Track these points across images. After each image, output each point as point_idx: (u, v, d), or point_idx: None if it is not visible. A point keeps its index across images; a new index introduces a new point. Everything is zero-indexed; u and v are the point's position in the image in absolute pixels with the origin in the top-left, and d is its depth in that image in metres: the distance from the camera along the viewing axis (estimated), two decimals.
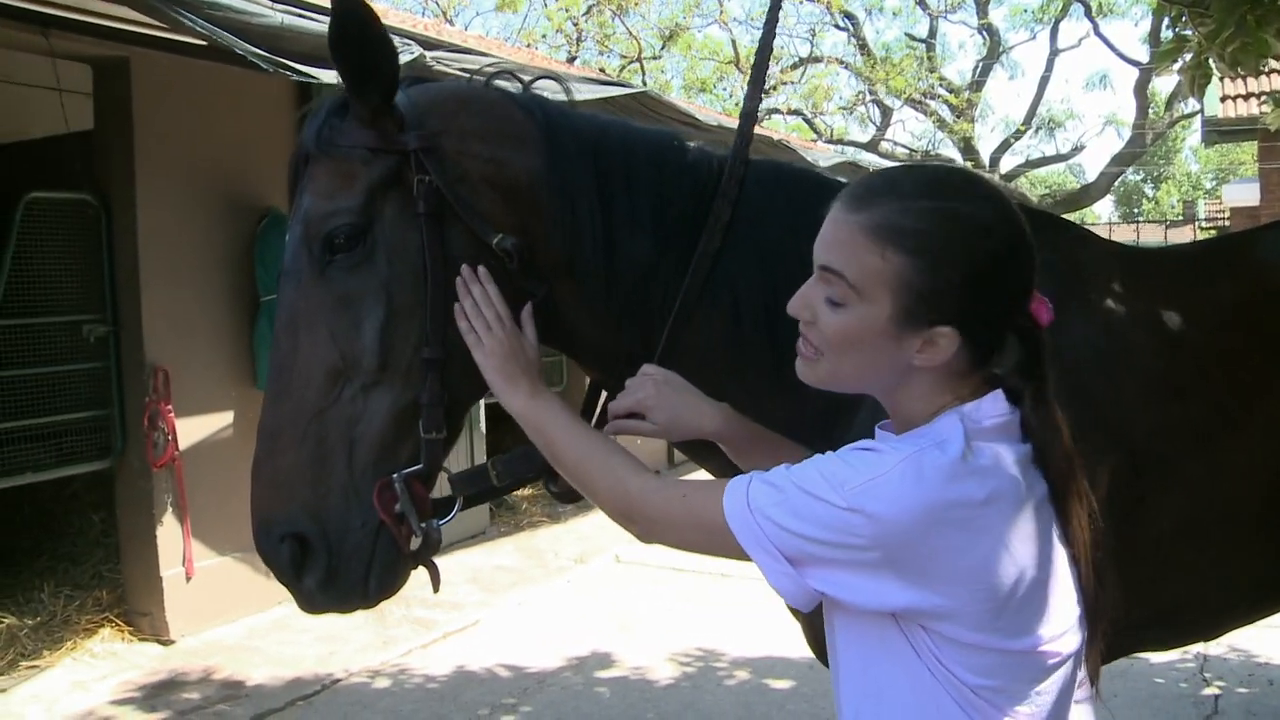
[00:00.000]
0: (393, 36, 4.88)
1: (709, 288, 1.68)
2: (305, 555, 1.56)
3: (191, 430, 5.32)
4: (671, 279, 1.68)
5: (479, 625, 5.64)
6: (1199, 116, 13.17)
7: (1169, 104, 20.08)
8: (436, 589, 1.67)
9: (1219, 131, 11.79)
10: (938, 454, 1.16)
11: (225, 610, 5.46)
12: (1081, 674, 1.29)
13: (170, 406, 5.13)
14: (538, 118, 1.69)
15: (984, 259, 1.19)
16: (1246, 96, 11.28)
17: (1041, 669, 1.21)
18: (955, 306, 1.19)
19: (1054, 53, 22.13)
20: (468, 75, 1.83)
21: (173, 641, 5.22)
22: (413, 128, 1.61)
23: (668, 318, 1.68)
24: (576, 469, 1.44)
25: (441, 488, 1.70)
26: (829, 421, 1.66)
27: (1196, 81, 3.65)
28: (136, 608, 5.33)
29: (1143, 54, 20.65)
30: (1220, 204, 25.44)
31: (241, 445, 5.59)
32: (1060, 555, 1.23)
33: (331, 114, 1.63)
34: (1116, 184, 27.42)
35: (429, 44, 5.08)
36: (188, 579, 5.30)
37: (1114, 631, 1.76)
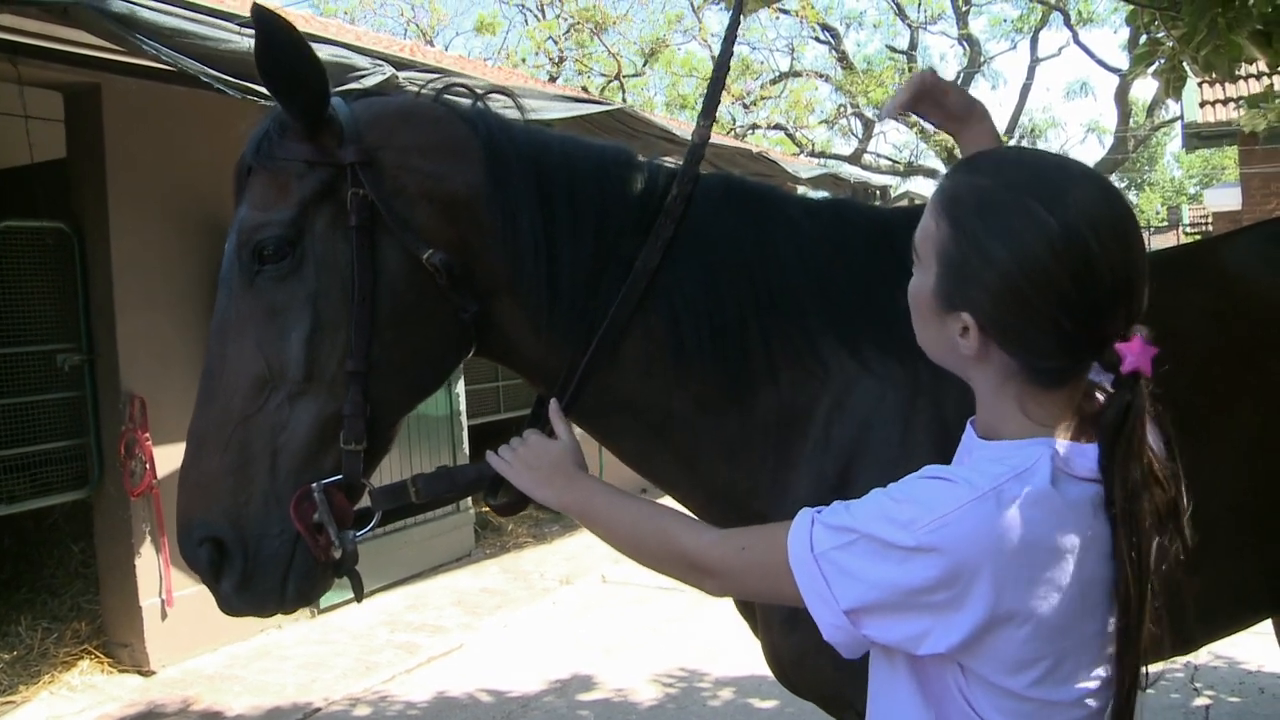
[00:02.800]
0: (357, 57, 4.80)
1: (648, 302, 1.66)
2: (223, 559, 1.56)
3: (169, 458, 5.24)
4: (612, 294, 1.66)
5: (463, 649, 5.57)
6: (1179, 122, 13.23)
7: (1150, 110, 20.21)
8: (359, 599, 1.68)
9: (1199, 137, 11.84)
10: (1016, 488, 1.10)
11: (206, 639, 5.40)
12: None
13: (147, 435, 5.08)
14: (479, 131, 1.67)
15: (1027, 265, 1.10)
16: (1225, 101, 11.34)
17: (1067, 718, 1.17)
18: (981, 299, 1.13)
19: (1035, 62, 22.31)
20: (417, 90, 1.81)
21: (153, 672, 5.16)
22: (351, 141, 1.60)
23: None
24: (632, 546, 1.43)
25: None
26: (782, 436, 1.65)
27: (1172, 84, 3.65)
28: (116, 639, 5.26)
29: (1122, 61, 20.80)
30: (1203, 209, 25.57)
31: None
32: (1107, 609, 1.16)
33: (273, 127, 1.62)
34: None
35: (400, 64, 5.06)
36: (167, 609, 5.23)
37: None
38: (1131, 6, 3.88)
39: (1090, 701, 1.17)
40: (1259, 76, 8.71)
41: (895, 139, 24.55)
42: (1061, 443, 1.14)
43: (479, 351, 1.71)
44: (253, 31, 1.54)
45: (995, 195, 1.13)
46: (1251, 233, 2.18)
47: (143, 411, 5.10)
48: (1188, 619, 1.91)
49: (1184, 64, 3.68)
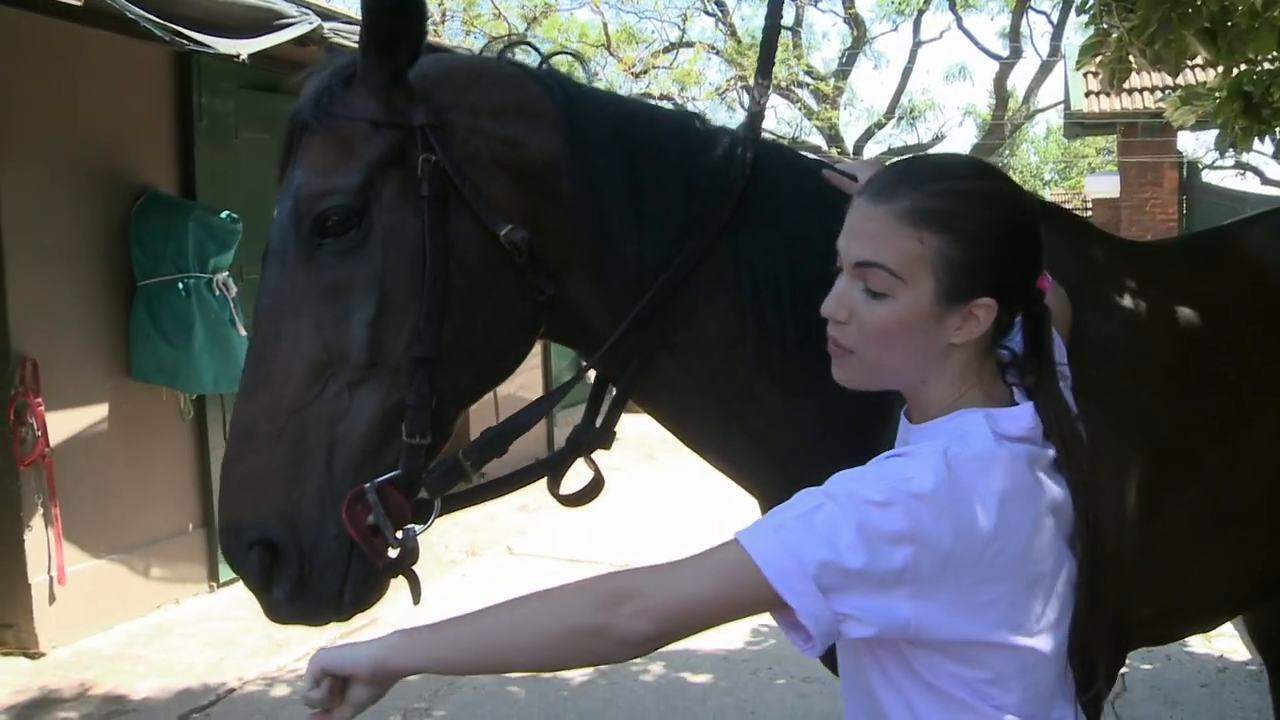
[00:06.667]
0: (285, 4, 4.56)
1: (727, 274, 1.58)
2: (275, 564, 1.43)
3: (63, 425, 4.91)
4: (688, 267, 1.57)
5: (376, 624, 5.37)
6: (1060, 110, 13.74)
7: (1026, 98, 20.97)
8: (417, 600, 1.55)
9: (1082, 125, 12.36)
10: (961, 447, 1.20)
11: (100, 617, 5.09)
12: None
13: (39, 400, 4.72)
14: (557, 95, 1.55)
15: (1007, 227, 1.25)
16: (1109, 93, 11.87)
17: (1030, 663, 1.23)
18: (991, 276, 1.23)
19: (917, 44, 22.80)
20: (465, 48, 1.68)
21: (43, 654, 4.82)
22: (421, 100, 1.46)
23: (693, 308, 1.57)
24: (531, 651, 1.22)
25: None
26: (865, 423, 1.58)
27: (1117, 75, 3.73)
28: (1, 619, 4.89)
29: (1001, 48, 21.47)
30: (1064, 195, 26.76)
31: (118, 440, 5.23)
32: (1061, 555, 1.25)
33: (333, 80, 1.46)
34: None
35: (325, 15, 4.81)
36: (57, 586, 4.90)
37: (1125, 626, 1.76)
38: None
39: (1042, 642, 1.24)
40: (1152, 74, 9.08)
41: (783, 114, 24.76)
42: (991, 410, 1.25)
43: (548, 335, 1.59)
44: None
45: (952, 191, 1.24)
46: (1269, 219, 2.22)
47: (35, 374, 4.74)
48: (1217, 598, 1.97)
49: (1130, 57, 3.77)
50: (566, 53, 1.76)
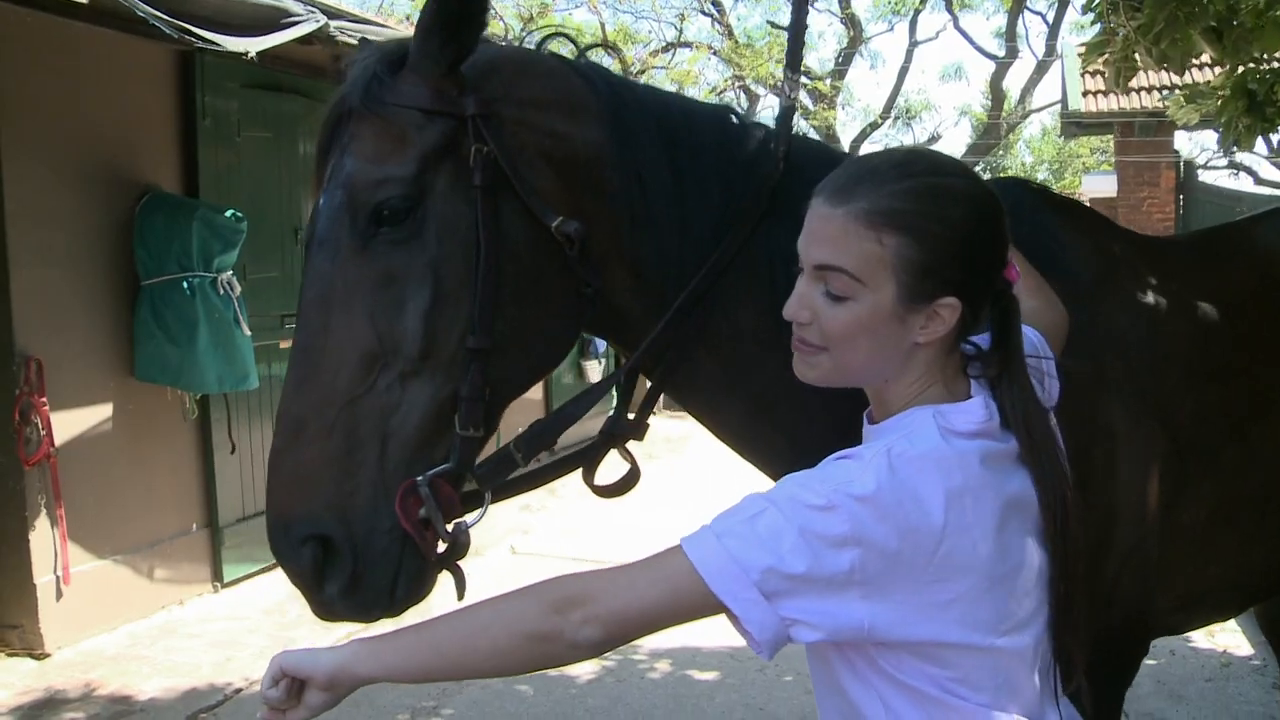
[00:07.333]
0: (292, 2, 4.55)
1: (760, 266, 1.58)
2: (328, 559, 1.41)
3: (66, 425, 4.90)
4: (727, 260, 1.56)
5: (382, 623, 5.39)
6: (1054, 110, 13.75)
7: (1021, 98, 21.01)
8: (461, 595, 1.53)
9: (1078, 124, 12.40)
10: (906, 445, 1.18)
11: (105, 618, 5.08)
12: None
13: (44, 399, 4.71)
14: (600, 87, 1.55)
15: (970, 224, 1.23)
16: (1106, 93, 11.93)
17: (1002, 662, 1.22)
18: (954, 275, 1.22)
19: (913, 44, 22.83)
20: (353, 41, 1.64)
21: (48, 655, 4.80)
22: (472, 90, 1.45)
23: (729, 301, 1.57)
24: (486, 658, 1.22)
25: None
26: None
27: (1122, 74, 3.74)
28: (6, 620, 4.87)
29: (997, 48, 21.52)
30: (1066, 195, 26.83)
31: (121, 440, 5.22)
32: (1032, 550, 1.23)
33: (381, 67, 1.45)
34: None
35: (332, 13, 4.81)
36: (63, 586, 4.89)
37: (1142, 617, 1.78)
38: None
39: (1021, 641, 1.23)
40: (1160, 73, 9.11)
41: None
42: (941, 406, 1.24)
43: (588, 330, 1.59)
44: None
45: (912, 190, 1.22)
46: (1278, 216, 2.24)
47: (39, 374, 4.72)
48: (1233, 589, 1.99)
49: (1136, 55, 3.78)
50: (602, 45, 1.76)
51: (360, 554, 1.41)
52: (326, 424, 1.40)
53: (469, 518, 1.50)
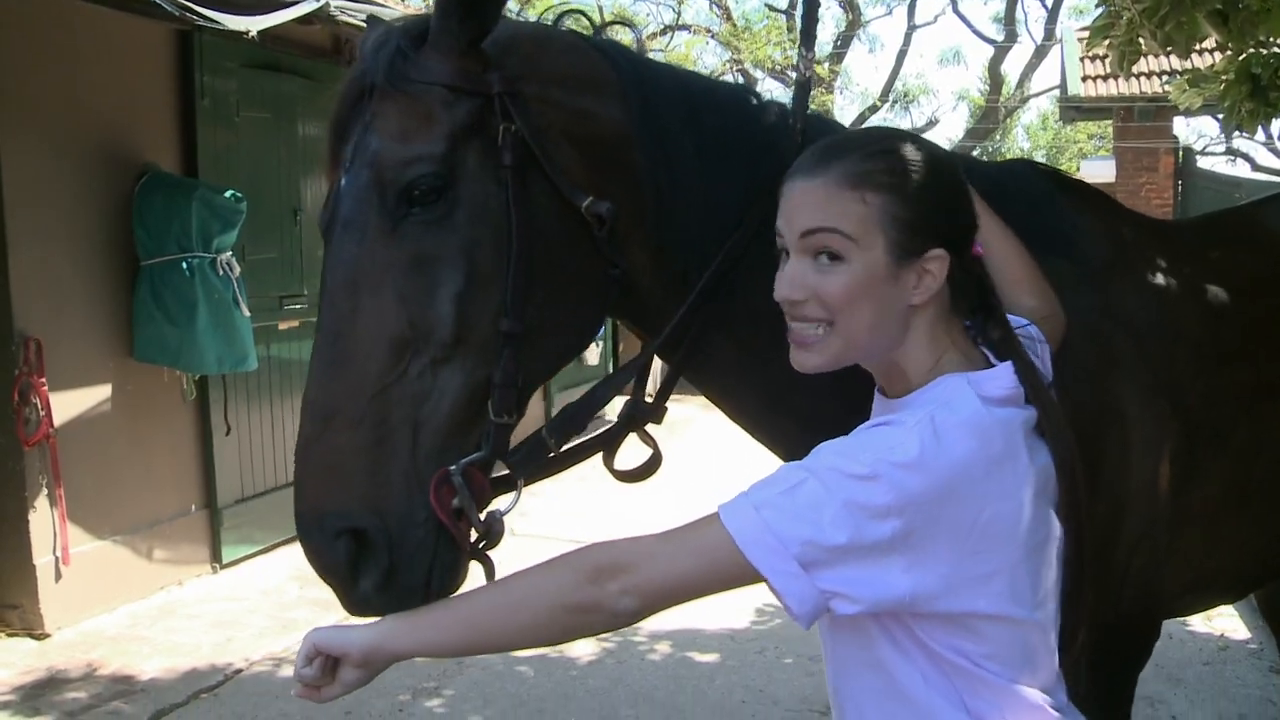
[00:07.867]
0: None
1: (775, 245, 1.57)
2: (362, 553, 1.35)
3: (65, 405, 4.89)
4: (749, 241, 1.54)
5: None
6: (1052, 95, 13.72)
7: (1019, 83, 20.97)
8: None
9: (1077, 109, 12.37)
10: (948, 413, 1.18)
11: (105, 598, 5.08)
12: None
13: (43, 380, 4.70)
14: (620, 64, 1.52)
15: (942, 176, 1.28)
16: (1106, 78, 11.89)
17: (1032, 636, 1.23)
18: (937, 226, 1.25)
19: (911, 28, 22.76)
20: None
21: (48, 635, 4.81)
22: (495, 67, 1.42)
23: (748, 282, 1.55)
24: (524, 630, 1.24)
25: None
26: None
27: (1126, 57, 3.73)
28: (6, 600, 4.87)
29: (996, 33, 21.47)
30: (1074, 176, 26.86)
31: (120, 421, 5.21)
32: (1053, 523, 1.24)
33: (401, 43, 1.40)
34: None
35: None
36: (62, 567, 4.89)
37: (1154, 600, 1.78)
38: None
39: (1046, 614, 1.24)
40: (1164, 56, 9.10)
41: (779, 97, 24.64)
42: (973, 374, 1.24)
43: (611, 313, 1.56)
44: None
45: (887, 152, 1.25)
46: None
47: (38, 354, 4.71)
48: (1242, 571, 2.00)
49: (1140, 39, 3.77)
50: (622, 22, 1.74)
51: (396, 547, 1.36)
52: (357, 413, 1.35)
53: (501, 505, 1.46)
